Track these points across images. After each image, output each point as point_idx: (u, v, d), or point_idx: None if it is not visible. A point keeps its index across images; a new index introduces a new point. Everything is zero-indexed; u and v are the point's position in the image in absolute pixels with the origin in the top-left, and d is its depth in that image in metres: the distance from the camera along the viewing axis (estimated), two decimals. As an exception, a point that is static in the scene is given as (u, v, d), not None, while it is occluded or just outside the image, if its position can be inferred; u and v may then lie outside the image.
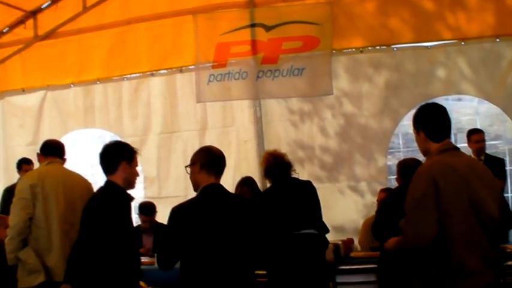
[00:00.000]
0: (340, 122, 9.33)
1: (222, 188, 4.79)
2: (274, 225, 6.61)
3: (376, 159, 9.21)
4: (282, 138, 9.46)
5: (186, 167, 4.89)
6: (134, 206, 9.14)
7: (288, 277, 6.61)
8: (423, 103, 9.51)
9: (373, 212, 8.26)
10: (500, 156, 9.04)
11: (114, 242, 4.82)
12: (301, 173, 7.53)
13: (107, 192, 5.04)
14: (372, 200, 8.85)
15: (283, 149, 8.29)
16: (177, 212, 4.69)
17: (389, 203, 6.73)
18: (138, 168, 5.27)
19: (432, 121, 4.53)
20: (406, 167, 6.60)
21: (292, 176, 6.97)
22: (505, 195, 8.25)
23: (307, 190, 6.90)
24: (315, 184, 7.07)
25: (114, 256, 4.82)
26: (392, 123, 9.21)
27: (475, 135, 8.43)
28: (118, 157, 5.04)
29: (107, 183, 5.06)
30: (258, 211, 4.91)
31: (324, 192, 7.89)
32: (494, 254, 4.39)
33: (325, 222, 6.99)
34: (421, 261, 4.40)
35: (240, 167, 9.41)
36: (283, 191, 6.78)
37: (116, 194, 4.98)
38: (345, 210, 9.17)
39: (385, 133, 9.23)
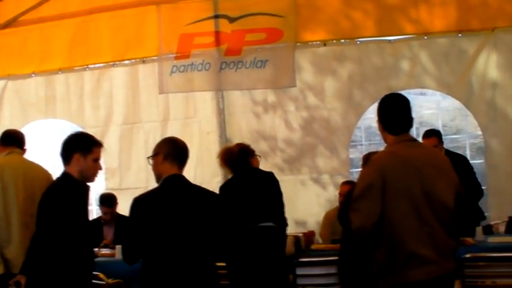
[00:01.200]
0: (303, 114, 9.34)
1: (184, 179, 4.76)
2: (233, 217, 6.61)
3: (338, 152, 9.24)
4: (245, 130, 9.45)
5: (148, 158, 4.85)
6: (95, 197, 9.14)
7: (246, 270, 6.61)
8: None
9: (335, 205, 8.32)
10: (461, 150, 9.13)
11: (67, 234, 4.75)
12: (263, 164, 7.56)
13: (61, 183, 4.98)
14: (334, 192, 8.86)
15: (246, 140, 8.35)
16: (139, 202, 4.65)
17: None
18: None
19: (389, 113, 4.57)
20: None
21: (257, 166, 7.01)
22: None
23: (268, 182, 6.90)
24: (277, 176, 7.07)
25: (67, 248, 4.76)
26: (355, 116, 9.25)
27: (426, 140, 7.90)
28: (72, 148, 4.97)
29: (62, 174, 5.00)
30: (220, 203, 4.89)
31: (287, 185, 7.88)
32: (453, 245, 4.47)
33: (287, 215, 7.01)
34: (370, 246, 4.48)
35: (202, 158, 9.38)
36: (243, 183, 6.76)
37: (70, 185, 4.91)
38: (307, 202, 9.20)
39: (348, 126, 9.27)
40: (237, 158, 6.91)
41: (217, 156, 7.16)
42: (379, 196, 4.38)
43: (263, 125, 9.47)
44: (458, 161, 7.50)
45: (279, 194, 6.90)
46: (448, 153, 7.90)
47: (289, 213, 7.20)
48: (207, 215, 4.68)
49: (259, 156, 7.28)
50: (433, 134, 7.87)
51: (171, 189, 4.68)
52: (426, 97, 10.55)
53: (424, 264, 4.35)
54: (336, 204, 8.21)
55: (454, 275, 4.58)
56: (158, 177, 4.78)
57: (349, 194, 7.00)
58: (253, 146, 7.40)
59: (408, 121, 4.55)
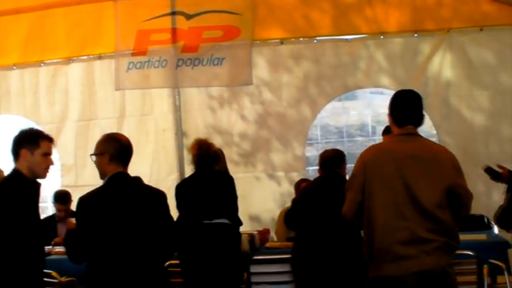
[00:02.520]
0: (258, 111, 9.36)
1: (128, 177, 4.74)
2: (185, 214, 6.61)
3: (294, 150, 9.28)
4: (201, 126, 9.41)
5: (91, 155, 4.78)
6: (50, 194, 9.05)
7: (200, 267, 6.60)
8: (342, 95, 9.73)
9: (290, 202, 8.35)
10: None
11: (16, 233, 4.65)
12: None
13: (9, 181, 4.88)
14: (289, 189, 8.91)
15: (202, 136, 8.39)
16: (84, 202, 4.61)
17: (306, 194, 6.82)
18: (55, 156, 5.12)
19: (395, 106, 4.71)
20: (327, 159, 6.74)
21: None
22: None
23: (225, 182, 6.89)
24: (233, 171, 7.14)
25: (16, 247, 4.67)
26: (311, 115, 9.30)
27: (385, 137, 7.71)
28: (19, 144, 4.86)
29: (12, 171, 4.89)
30: (165, 200, 4.87)
31: (242, 181, 8.06)
32: (439, 240, 4.42)
33: (242, 211, 7.03)
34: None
35: (158, 156, 9.36)
36: (199, 181, 6.75)
37: (18, 183, 4.81)
38: (262, 199, 9.22)
39: (304, 124, 9.31)
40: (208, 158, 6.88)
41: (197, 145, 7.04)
42: (359, 187, 4.57)
43: (219, 121, 9.46)
44: None
45: (234, 195, 6.90)
46: None
47: (244, 209, 7.33)
48: (151, 212, 4.67)
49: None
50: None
51: (116, 188, 4.65)
52: (382, 96, 10.62)
53: (399, 259, 4.40)
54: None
55: (446, 272, 4.52)
56: (103, 175, 4.73)
57: (302, 192, 7.08)
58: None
59: (413, 114, 4.68)
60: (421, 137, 4.75)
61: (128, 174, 4.73)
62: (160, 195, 4.85)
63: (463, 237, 5.48)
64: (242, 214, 7.49)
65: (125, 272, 4.49)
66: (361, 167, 4.63)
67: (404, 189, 4.45)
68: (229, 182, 6.92)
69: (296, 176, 8.90)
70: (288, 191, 9.01)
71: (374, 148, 4.86)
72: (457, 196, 4.53)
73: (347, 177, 5.80)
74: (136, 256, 4.53)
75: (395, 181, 4.47)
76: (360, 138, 10.88)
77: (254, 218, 9.01)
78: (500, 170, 5.74)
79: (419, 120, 4.71)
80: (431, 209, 4.43)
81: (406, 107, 4.70)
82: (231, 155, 9.19)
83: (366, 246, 4.60)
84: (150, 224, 4.62)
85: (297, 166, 9.27)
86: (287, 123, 9.30)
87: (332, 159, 6.75)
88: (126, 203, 4.59)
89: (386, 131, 7.98)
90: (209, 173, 6.85)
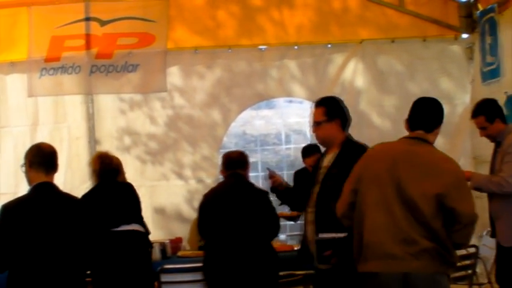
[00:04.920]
0: (169, 114, 9.32)
1: (51, 186, 4.72)
2: (96, 223, 6.51)
3: (202, 150, 9.31)
4: (114, 134, 9.31)
5: (21, 166, 4.83)
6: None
7: (110, 276, 6.50)
8: (259, 104, 9.81)
9: (196, 198, 8.51)
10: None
11: None
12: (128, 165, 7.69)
13: None
14: (196, 186, 9.17)
15: (114, 141, 8.87)
16: (6, 210, 4.61)
17: (210, 200, 6.81)
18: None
19: (411, 112, 4.83)
20: (230, 160, 6.76)
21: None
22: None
23: (129, 191, 6.84)
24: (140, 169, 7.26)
25: None
26: (223, 121, 9.32)
27: (308, 160, 8.13)
28: None
29: None
30: (86, 210, 4.84)
31: (149, 177, 8.91)
32: (428, 245, 4.37)
33: (148, 204, 7.05)
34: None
35: (72, 164, 9.20)
36: (104, 192, 6.65)
37: None
38: (167, 193, 9.26)
39: (214, 128, 9.35)
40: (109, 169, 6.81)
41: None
42: (352, 186, 4.68)
43: (130, 124, 9.35)
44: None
45: (138, 203, 6.85)
46: None
47: (150, 201, 7.93)
48: (73, 222, 4.64)
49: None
50: (315, 151, 7.83)
51: (37, 198, 4.65)
52: (298, 105, 10.74)
53: (386, 257, 4.41)
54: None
55: (435, 280, 4.46)
56: (29, 183, 4.79)
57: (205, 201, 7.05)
58: (119, 142, 8.63)
59: (424, 120, 4.74)
60: (430, 144, 4.74)
61: (50, 183, 4.72)
62: (80, 204, 4.83)
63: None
64: (147, 206, 7.54)
65: (46, 281, 4.45)
66: (360, 162, 4.78)
67: (395, 188, 4.48)
68: (133, 191, 6.88)
69: (204, 176, 9.12)
70: (194, 188, 9.16)
71: (379, 146, 4.95)
72: (451, 210, 4.42)
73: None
74: (58, 265, 4.50)
75: (388, 179, 4.52)
76: (274, 147, 10.96)
77: (159, 211, 9.02)
78: None
79: (432, 127, 4.75)
80: (421, 213, 4.41)
81: (419, 113, 4.80)
82: (139, 154, 9.24)
83: (356, 242, 4.63)
84: (71, 233, 4.58)
85: (205, 166, 9.29)
86: (196, 126, 9.30)
87: (236, 160, 6.77)
88: (47, 213, 4.58)
89: (306, 153, 8.11)
90: (113, 185, 6.76)
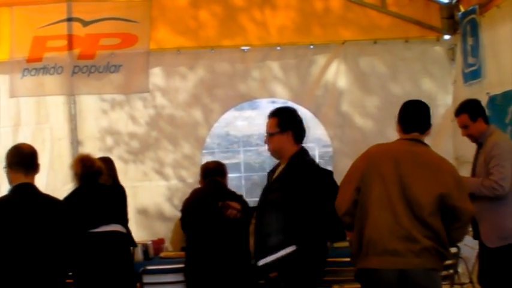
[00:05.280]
0: (151, 114, 9.30)
1: (30, 188, 4.69)
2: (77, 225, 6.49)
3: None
4: (96, 134, 9.29)
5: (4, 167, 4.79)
6: None
7: (92, 277, 6.48)
8: (242, 104, 9.82)
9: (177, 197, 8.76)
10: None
11: None
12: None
13: None
14: (176, 185, 9.20)
15: (97, 141, 8.93)
16: None
17: (191, 205, 6.84)
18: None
19: (401, 115, 5.05)
20: (208, 170, 6.82)
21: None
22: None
23: (113, 194, 6.83)
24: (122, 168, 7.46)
25: None
26: (207, 124, 9.30)
27: None
28: None
29: None
30: (68, 211, 4.83)
31: (131, 176, 8.93)
32: (428, 244, 4.61)
33: (131, 204, 7.08)
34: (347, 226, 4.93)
35: (54, 165, 9.16)
36: (86, 193, 6.64)
37: None
38: (150, 193, 9.24)
39: (195, 127, 9.33)
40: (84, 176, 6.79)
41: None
42: (355, 181, 4.83)
43: (112, 123, 9.32)
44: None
45: (124, 205, 6.85)
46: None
47: (133, 201, 7.89)
48: (53, 224, 4.62)
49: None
50: None
51: (16, 199, 4.62)
52: (277, 105, 10.73)
53: (386, 254, 4.60)
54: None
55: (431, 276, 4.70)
56: (10, 184, 4.75)
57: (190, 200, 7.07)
58: (101, 143, 8.74)
59: (419, 123, 4.99)
60: (426, 145, 4.99)
61: (30, 185, 4.69)
62: (62, 206, 4.82)
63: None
64: (130, 206, 7.53)
65: (26, 282, 4.44)
66: (362, 163, 4.93)
67: (399, 188, 4.68)
68: (119, 193, 6.87)
69: (186, 175, 9.14)
70: (175, 186, 9.19)
71: (378, 146, 5.08)
72: (453, 209, 4.68)
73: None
74: (37, 267, 4.48)
75: (392, 178, 4.71)
76: (257, 148, 10.96)
77: (141, 211, 9.00)
78: None
79: (425, 128, 5.01)
80: (423, 211, 4.63)
81: (413, 116, 5.02)
82: (121, 154, 9.23)
83: (356, 238, 4.79)
84: (50, 234, 4.56)
85: (187, 165, 9.27)
86: (178, 126, 9.28)
87: (213, 169, 6.84)
88: (26, 215, 4.55)
89: None
90: (94, 186, 6.75)
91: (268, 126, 5.34)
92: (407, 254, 4.59)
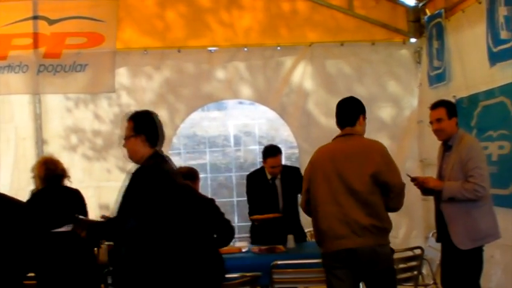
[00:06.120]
0: (116, 112, 9.26)
1: None
2: (39, 225, 6.42)
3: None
4: (61, 134, 9.23)
5: None
6: None
7: (56, 278, 6.42)
8: (210, 105, 9.77)
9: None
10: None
11: None
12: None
13: None
14: None
15: (61, 141, 8.90)
16: None
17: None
18: None
19: (337, 113, 5.69)
20: (180, 173, 6.78)
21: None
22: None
23: (74, 195, 6.77)
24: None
25: None
26: (172, 124, 9.25)
27: (271, 160, 7.86)
28: None
29: None
30: (28, 213, 4.77)
31: (95, 174, 9.02)
32: (369, 222, 5.30)
33: (94, 200, 7.12)
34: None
35: (19, 165, 9.06)
36: (49, 195, 6.57)
37: None
38: (113, 189, 9.03)
39: (166, 134, 9.12)
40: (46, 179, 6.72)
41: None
42: (307, 182, 5.59)
43: (76, 121, 9.28)
44: (294, 173, 7.76)
45: (84, 208, 6.78)
46: (285, 167, 8.03)
47: (96, 197, 8.06)
48: (13, 225, 4.56)
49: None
50: (278, 152, 7.88)
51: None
52: (246, 106, 10.78)
53: (336, 239, 5.33)
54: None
55: (376, 251, 5.33)
56: None
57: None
58: (66, 142, 8.81)
59: (347, 118, 5.62)
60: (358, 135, 5.61)
61: None
62: (20, 208, 4.76)
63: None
64: (93, 203, 7.49)
65: None
66: (308, 166, 5.66)
67: (339, 180, 5.37)
68: (79, 196, 6.81)
69: None
70: None
71: (319, 150, 5.70)
72: (385, 183, 5.37)
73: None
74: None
75: (332, 175, 5.40)
76: (223, 149, 10.97)
77: (103, 206, 8.86)
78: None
79: (354, 121, 5.60)
80: (361, 194, 5.32)
81: (342, 112, 5.68)
82: (85, 151, 9.21)
83: (314, 230, 5.64)
84: (9, 236, 4.51)
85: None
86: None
87: (184, 174, 6.82)
88: None
89: (270, 153, 8.01)
90: (59, 188, 6.69)
91: (126, 129, 5.39)
92: (350, 236, 5.29)
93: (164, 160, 5.35)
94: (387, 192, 5.39)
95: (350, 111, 5.65)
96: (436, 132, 6.24)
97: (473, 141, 6.20)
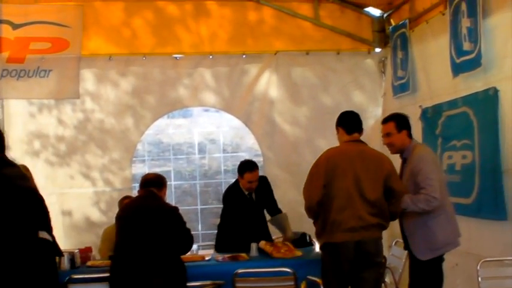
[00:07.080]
0: (80, 118, 9.22)
1: None
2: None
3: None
4: (24, 139, 9.12)
5: None
6: None
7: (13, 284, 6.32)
8: (175, 112, 9.77)
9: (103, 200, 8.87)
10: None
11: None
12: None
13: None
14: (103, 188, 9.20)
15: (25, 146, 8.81)
16: None
17: (124, 213, 6.78)
18: None
19: (345, 119, 6.17)
20: (146, 180, 6.77)
21: None
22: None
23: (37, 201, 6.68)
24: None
25: None
26: (137, 131, 9.27)
27: (249, 175, 7.58)
28: None
29: None
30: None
31: (58, 180, 9.00)
32: (375, 221, 5.86)
33: (57, 206, 7.03)
34: (313, 217, 6.06)
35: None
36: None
37: None
38: (76, 196, 9.19)
39: (129, 140, 9.29)
40: None
41: None
42: (321, 177, 5.87)
43: (39, 126, 9.18)
44: (263, 182, 7.72)
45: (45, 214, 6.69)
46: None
47: (59, 203, 8.09)
48: None
49: None
50: (255, 167, 7.68)
51: None
52: (212, 114, 10.74)
53: (347, 230, 5.81)
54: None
55: (377, 242, 5.97)
56: None
57: (123, 208, 6.99)
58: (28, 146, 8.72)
59: (357, 125, 6.14)
60: (365, 143, 6.14)
61: None
62: None
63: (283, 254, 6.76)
64: (56, 209, 7.39)
65: None
66: (324, 162, 5.95)
67: (354, 180, 5.84)
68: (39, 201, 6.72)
69: (113, 179, 9.16)
70: (102, 190, 9.18)
71: (334, 149, 6.10)
72: (391, 189, 5.89)
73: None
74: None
75: (348, 173, 5.84)
76: (188, 156, 10.92)
77: (66, 213, 8.93)
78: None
79: (361, 130, 6.17)
80: (371, 197, 5.83)
81: (353, 119, 6.17)
82: (48, 157, 9.12)
83: (321, 220, 5.96)
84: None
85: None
86: (107, 131, 9.23)
87: (150, 180, 6.79)
88: None
89: (246, 168, 7.91)
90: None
91: None
92: (360, 230, 5.83)
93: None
94: (390, 197, 5.92)
95: (360, 120, 6.20)
96: (387, 146, 6.38)
97: (423, 151, 6.24)
